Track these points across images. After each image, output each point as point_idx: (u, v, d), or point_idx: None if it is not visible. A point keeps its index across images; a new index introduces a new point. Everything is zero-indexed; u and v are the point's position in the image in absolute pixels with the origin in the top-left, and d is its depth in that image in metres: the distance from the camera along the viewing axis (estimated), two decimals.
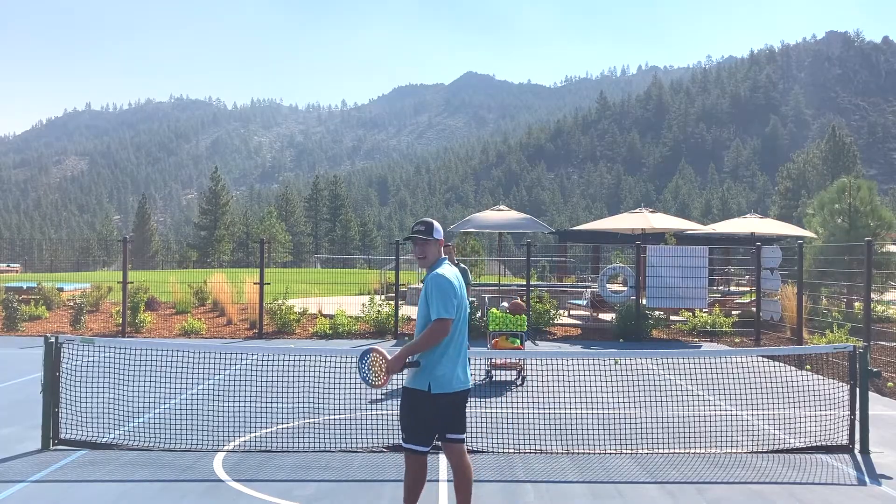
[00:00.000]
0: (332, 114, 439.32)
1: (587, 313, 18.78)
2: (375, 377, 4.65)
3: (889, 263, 18.56)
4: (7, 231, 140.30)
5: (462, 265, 11.27)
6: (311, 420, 7.81)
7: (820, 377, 9.99)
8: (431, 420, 4.64)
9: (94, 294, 19.65)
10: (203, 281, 21.04)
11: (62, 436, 6.92)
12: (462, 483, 4.72)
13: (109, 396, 7.71)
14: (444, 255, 4.83)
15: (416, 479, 4.70)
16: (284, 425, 7.66)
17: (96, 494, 5.60)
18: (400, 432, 4.75)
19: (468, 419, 7.91)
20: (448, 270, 4.70)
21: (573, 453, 6.87)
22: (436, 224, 4.83)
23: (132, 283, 17.05)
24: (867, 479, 6.23)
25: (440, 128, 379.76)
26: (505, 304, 11.88)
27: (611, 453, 6.88)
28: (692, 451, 6.97)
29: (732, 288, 25.24)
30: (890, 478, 6.25)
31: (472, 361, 11.22)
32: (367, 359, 4.67)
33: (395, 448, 6.86)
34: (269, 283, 16.66)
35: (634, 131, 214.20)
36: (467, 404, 4.88)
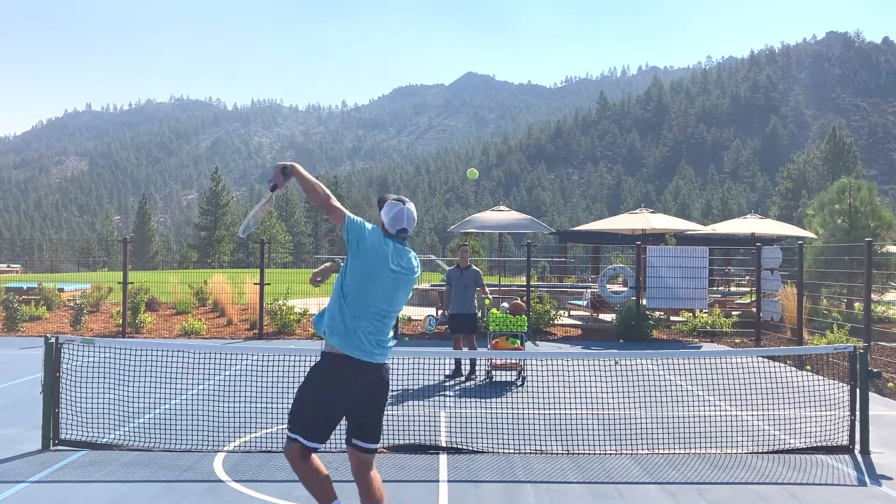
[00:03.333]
0: (333, 114, 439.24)
1: (587, 314, 18.78)
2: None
3: (889, 264, 18.56)
4: (7, 231, 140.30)
5: (474, 266, 11.25)
6: None
7: (820, 378, 9.99)
8: (319, 400, 4.17)
9: (95, 294, 19.65)
10: (203, 281, 21.04)
11: (62, 436, 6.92)
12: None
13: (110, 397, 7.70)
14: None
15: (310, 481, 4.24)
16: (285, 426, 7.64)
17: (96, 495, 5.60)
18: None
19: (468, 422, 7.96)
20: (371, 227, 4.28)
21: (573, 453, 6.87)
22: (387, 201, 4.36)
23: (132, 283, 17.05)
24: (867, 479, 6.23)
25: (440, 128, 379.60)
26: (505, 304, 11.88)
27: (611, 454, 6.88)
28: (692, 451, 6.97)
29: (733, 288, 25.23)
30: (890, 478, 6.25)
31: (470, 361, 11.23)
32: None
33: (395, 448, 6.87)
34: (269, 284, 16.66)
35: (634, 132, 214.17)
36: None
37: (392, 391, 9.13)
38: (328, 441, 4.32)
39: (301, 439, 4.21)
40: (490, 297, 11.82)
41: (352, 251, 4.19)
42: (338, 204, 4.21)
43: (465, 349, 10.94)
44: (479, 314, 14.98)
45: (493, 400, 9.28)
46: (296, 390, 4.38)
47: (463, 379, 10.75)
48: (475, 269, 11.21)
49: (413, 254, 4.42)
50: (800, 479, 6.21)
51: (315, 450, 4.24)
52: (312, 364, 4.44)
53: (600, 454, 6.86)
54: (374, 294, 4.18)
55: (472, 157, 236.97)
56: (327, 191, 4.22)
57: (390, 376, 4.42)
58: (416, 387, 9.59)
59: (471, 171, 12.09)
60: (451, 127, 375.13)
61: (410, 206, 4.34)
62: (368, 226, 4.25)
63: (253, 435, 7.34)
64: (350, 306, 4.17)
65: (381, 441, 7.06)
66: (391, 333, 4.37)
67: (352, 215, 4.20)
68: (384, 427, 7.58)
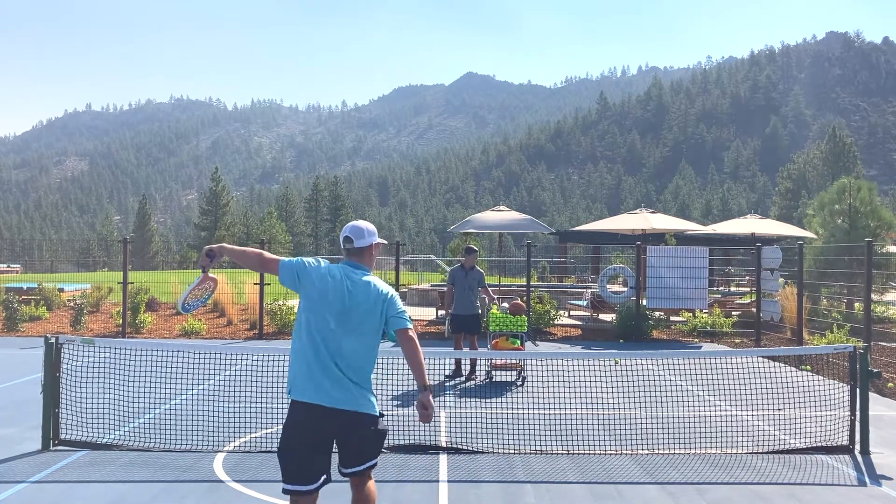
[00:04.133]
0: (333, 114, 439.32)
1: (587, 314, 18.78)
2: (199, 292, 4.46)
3: (889, 264, 18.55)
4: (7, 232, 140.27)
5: (478, 268, 11.25)
6: None
7: (820, 378, 9.99)
8: (292, 439, 3.87)
9: (95, 294, 19.65)
10: None
11: (62, 436, 6.92)
12: None
13: (110, 397, 7.70)
14: (344, 259, 4.18)
15: None
16: None
17: (96, 495, 5.60)
18: None
19: (468, 422, 7.95)
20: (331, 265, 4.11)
21: (573, 453, 6.87)
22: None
23: (132, 283, 17.06)
24: (867, 479, 6.23)
25: (440, 128, 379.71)
26: (505, 304, 11.88)
27: (611, 454, 6.88)
28: (692, 451, 6.97)
29: (733, 288, 25.24)
30: (890, 478, 6.25)
31: (471, 361, 11.23)
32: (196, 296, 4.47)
33: (395, 448, 6.86)
34: (269, 284, 16.66)
35: (635, 132, 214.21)
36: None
37: (392, 391, 9.13)
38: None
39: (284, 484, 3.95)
40: (496, 300, 11.85)
41: (298, 290, 4.01)
42: (270, 255, 4.14)
43: (466, 349, 10.94)
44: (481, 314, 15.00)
45: (493, 400, 9.28)
46: None
47: (463, 379, 10.75)
48: (479, 269, 11.21)
49: (369, 279, 4.06)
50: (800, 479, 6.21)
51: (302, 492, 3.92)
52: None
53: (600, 454, 6.86)
54: (324, 323, 3.91)
55: (472, 157, 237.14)
56: (256, 250, 4.20)
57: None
58: (416, 387, 9.58)
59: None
60: (451, 127, 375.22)
61: (358, 222, 4.22)
62: (310, 259, 4.09)
63: (253, 435, 7.34)
64: (303, 343, 3.95)
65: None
66: (367, 376, 4.02)
67: (287, 259, 4.07)
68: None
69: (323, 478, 3.94)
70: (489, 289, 11.60)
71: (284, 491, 3.90)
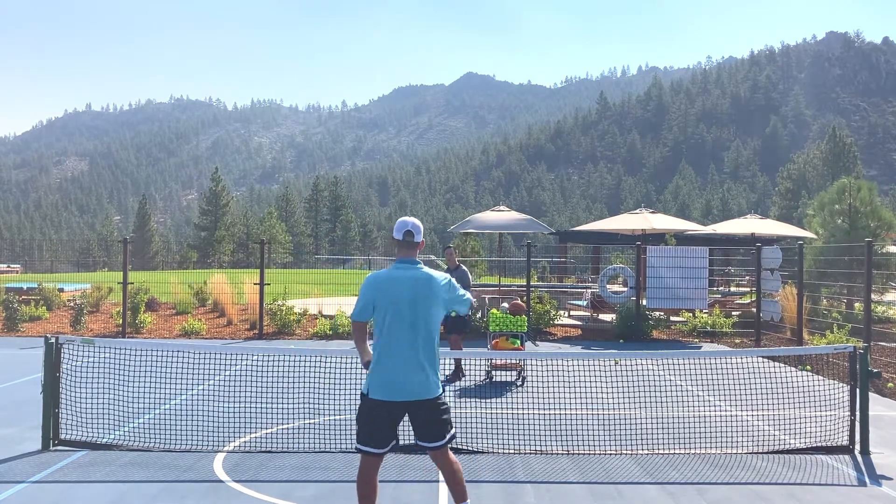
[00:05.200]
0: (333, 114, 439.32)
1: (587, 314, 18.78)
2: None
3: (889, 264, 18.55)
4: (7, 232, 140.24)
5: (462, 267, 11.24)
6: (312, 421, 7.80)
7: (820, 378, 9.99)
8: (370, 423, 4.51)
9: (95, 295, 19.65)
10: (203, 281, 21.04)
11: (62, 436, 6.92)
12: (451, 479, 4.67)
13: (109, 397, 7.71)
14: (403, 256, 4.65)
15: (363, 481, 4.59)
16: (285, 426, 7.66)
17: (96, 495, 5.60)
18: None
19: (468, 422, 7.95)
20: (384, 271, 4.63)
21: (573, 454, 6.87)
22: (400, 221, 4.72)
23: (132, 283, 17.06)
24: (867, 479, 6.23)
25: (440, 128, 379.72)
26: (505, 304, 11.88)
27: (611, 454, 6.88)
28: (692, 451, 6.97)
29: (733, 289, 25.24)
30: (890, 478, 6.25)
31: (473, 362, 11.23)
32: None
33: (394, 449, 6.85)
34: (269, 284, 16.66)
35: (635, 132, 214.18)
36: (450, 408, 4.78)
37: None
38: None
39: None
40: (475, 301, 11.79)
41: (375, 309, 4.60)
42: (356, 332, 4.78)
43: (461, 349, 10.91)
44: (481, 315, 14.98)
45: (493, 400, 9.28)
46: None
47: (460, 381, 10.71)
48: (463, 268, 11.19)
49: (421, 266, 4.64)
50: (800, 479, 6.21)
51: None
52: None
53: (600, 454, 6.86)
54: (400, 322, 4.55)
55: (472, 157, 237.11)
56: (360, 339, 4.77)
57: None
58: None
59: None
60: (451, 127, 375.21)
61: (412, 218, 4.76)
62: (371, 282, 4.62)
63: (253, 435, 7.34)
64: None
65: None
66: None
67: (353, 315, 4.68)
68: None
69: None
70: (472, 290, 11.51)
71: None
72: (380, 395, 4.46)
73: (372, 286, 4.55)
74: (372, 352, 4.58)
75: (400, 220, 4.69)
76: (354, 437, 4.63)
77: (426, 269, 4.62)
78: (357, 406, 4.66)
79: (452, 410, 8.59)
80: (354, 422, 4.66)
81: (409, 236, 4.58)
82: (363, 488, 4.58)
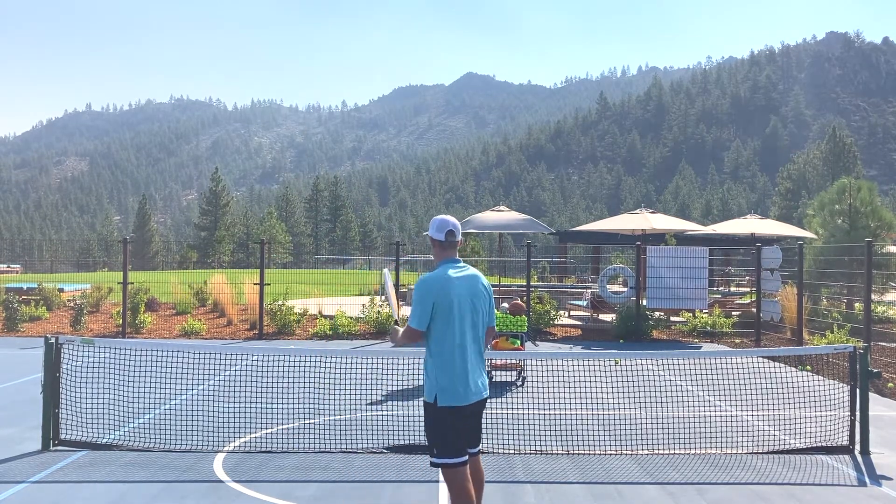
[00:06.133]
0: (333, 114, 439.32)
1: (587, 314, 18.78)
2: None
3: (889, 264, 18.56)
4: (7, 232, 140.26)
5: None
6: (312, 421, 7.80)
7: (820, 378, 9.99)
8: (450, 432, 4.26)
9: (95, 295, 19.65)
10: (203, 282, 21.04)
11: (62, 436, 6.92)
12: (479, 487, 4.54)
13: (109, 397, 7.71)
14: (447, 256, 4.49)
15: (461, 490, 4.26)
16: (285, 426, 7.66)
17: (96, 495, 5.60)
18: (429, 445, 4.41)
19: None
20: (437, 273, 4.41)
21: (573, 454, 6.87)
22: (438, 220, 4.56)
23: (132, 283, 17.06)
24: (867, 479, 6.23)
25: (440, 128, 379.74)
26: (505, 304, 11.87)
27: (611, 454, 6.88)
28: (692, 451, 6.97)
29: (733, 289, 25.24)
30: (890, 478, 6.25)
31: None
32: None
33: (394, 449, 6.87)
34: (269, 284, 16.66)
35: (635, 132, 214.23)
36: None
37: (392, 391, 9.14)
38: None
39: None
40: None
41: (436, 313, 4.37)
42: (408, 332, 4.42)
43: None
44: None
45: (493, 400, 9.27)
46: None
47: None
48: None
49: (467, 265, 4.57)
50: (800, 479, 6.21)
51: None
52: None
53: (600, 454, 6.86)
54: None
55: (472, 157, 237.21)
56: (403, 335, 4.47)
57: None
58: (416, 387, 9.59)
59: None
60: (451, 127, 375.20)
61: (452, 217, 4.60)
62: (429, 285, 4.38)
63: (253, 435, 7.34)
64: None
65: (381, 442, 7.08)
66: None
67: (413, 322, 4.37)
68: (384, 428, 7.59)
69: None
70: None
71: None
72: (454, 402, 4.27)
73: (432, 290, 4.32)
74: (432, 359, 4.34)
75: (438, 219, 4.53)
76: (436, 455, 4.29)
77: (472, 268, 4.55)
78: (426, 418, 4.39)
79: None
80: (431, 438, 4.33)
81: (452, 236, 4.44)
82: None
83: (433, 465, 4.32)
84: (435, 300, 4.30)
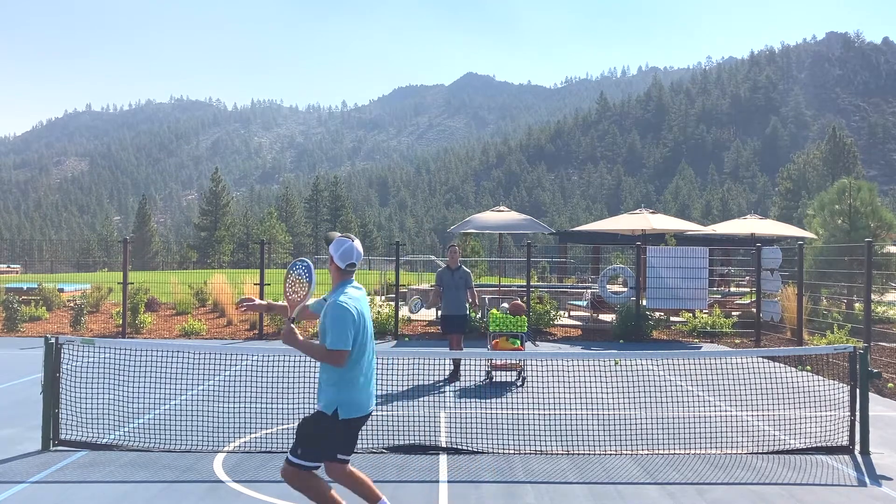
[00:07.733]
0: (333, 115, 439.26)
1: (587, 314, 18.78)
2: (292, 290, 4.52)
3: (889, 264, 18.57)
4: (7, 232, 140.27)
5: (464, 267, 11.23)
6: None
7: (820, 378, 9.99)
8: (331, 442, 4.47)
9: (95, 295, 19.65)
10: (203, 282, 21.04)
11: (62, 437, 6.92)
12: (358, 486, 4.68)
13: (110, 397, 7.71)
14: (346, 279, 4.53)
15: (308, 486, 4.51)
16: (285, 426, 7.66)
17: (96, 495, 5.60)
18: (295, 444, 4.49)
19: (468, 422, 7.96)
20: (350, 296, 4.43)
21: (573, 454, 6.87)
22: (335, 238, 4.55)
23: (132, 283, 17.05)
24: (867, 479, 6.23)
25: (440, 128, 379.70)
26: (505, 304, 11.88)
27: (611, 454, 6.88)
28: (692, 451, 6.97)
29: (732, 289, 25.24)
30: (890, 479, 6.25)
31: (472, 362, 11.24)
32: (297, 273, 4.54)
33: (394, 449, 6.87)
34: (269, 284, 16.66)
35: (634, 132, 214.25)
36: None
37: (392, 391, 9.14)
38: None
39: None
40: (477, 303, 11.76)
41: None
42: (333, 356, 4.34)
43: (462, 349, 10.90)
44: (477, 314, 14.96)
45: (493, 400, 9.27)
46: None
47: (458, 381, 10.70)
48: (465, 269, 11.14)
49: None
50: (800, 479, 6.21)
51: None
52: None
53: (600, 454, 6.86)
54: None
55: (472, 157, 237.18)
56: (324, 356, 4.37)
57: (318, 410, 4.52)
58: (415, 387, 9.60)
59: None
60: (451, 127, 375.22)
61: (357, 242, 4.59)
62: (352, 308, 4.39)
63: (253, 435, 7.34)
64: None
65: (381, 442, 7.08)
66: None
67: (342, 345, 4.32)
68: (384, 428, 7.59)
69: None
70: (475, 290, 11.49)
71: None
72: (357, 413, 4.44)
73: (354, 310, 4.39)
74: (339, 373, 4.41)
75: (344, 245, 4.51)
76: (299, 455, 4.43)
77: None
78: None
79: (452, 411, 8.62)
80: (305, 441, 4.46)
81: (352, 266, 4.51)
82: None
83: (289, 462, 4.46)
84: (357, 321, 4.41)
